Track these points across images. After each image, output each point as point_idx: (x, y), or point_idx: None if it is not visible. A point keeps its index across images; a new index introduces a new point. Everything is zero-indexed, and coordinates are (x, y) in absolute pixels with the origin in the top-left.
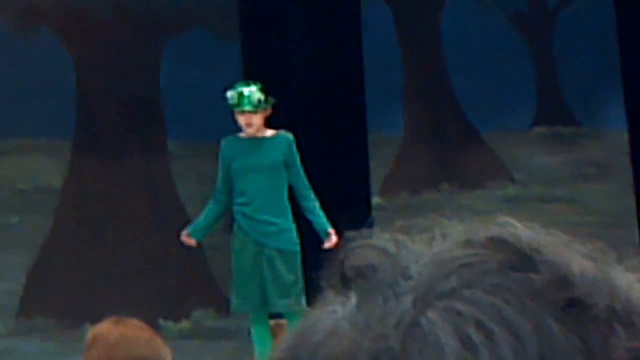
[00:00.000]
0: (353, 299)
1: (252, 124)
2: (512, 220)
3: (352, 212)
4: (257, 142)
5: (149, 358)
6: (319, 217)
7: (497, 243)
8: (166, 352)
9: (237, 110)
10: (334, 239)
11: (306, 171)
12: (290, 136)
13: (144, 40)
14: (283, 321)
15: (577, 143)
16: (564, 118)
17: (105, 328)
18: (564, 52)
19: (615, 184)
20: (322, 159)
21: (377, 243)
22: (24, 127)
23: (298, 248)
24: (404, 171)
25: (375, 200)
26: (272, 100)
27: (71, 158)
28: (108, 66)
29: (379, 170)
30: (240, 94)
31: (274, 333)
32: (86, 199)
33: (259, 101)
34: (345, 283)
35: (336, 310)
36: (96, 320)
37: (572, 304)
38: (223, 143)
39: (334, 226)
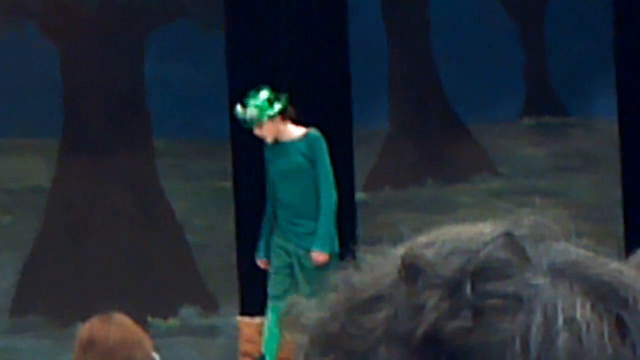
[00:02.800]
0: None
1: (265, 135)
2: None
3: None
4: (282, 147)
5: None
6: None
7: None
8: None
9: (247, 127)
10: (316, 258)
11: None
12: (315, 134)
13: (127, 33)
14: None
15: (565, 133)
16: (552, 108)
17: (101, 330)
18: (556, 38)
19: (603, 176)
20: None
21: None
22: (12, 127)
23: (333, 249)
24: (387, 165)
25: (359, 195)
26: (279, 102)
27: (58, 157)
28: (93, 61)
29: (363, 165)
30: (246, 110)
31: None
32: (74, 198)
33: (252, 119)
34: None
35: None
36: (87, 317)
37: None
38: (265, 147)
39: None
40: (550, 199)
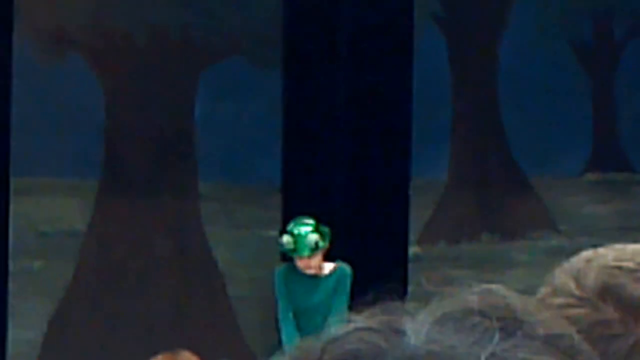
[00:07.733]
0: None
1: (311, 266)
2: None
3: (387, 261)
4: (314, 281)
5: None
6: None
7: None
8: None
9: (294, 255)
10: None
11: (341, 213)
12: (346, 270)
13: (179, 69)
14: None
15: (630, 191)
16: (618, 163)
17: None
18: (625, 90)
19: None
20: (361, 201)
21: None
22: (47, 165)
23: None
24: (443, 219)
25: (412, 249)
26: (328, 235)
27: (96, 199)
28: (139, 97)
29: (417, 217)
30: (296, 239)
31: None
32: (111, 244)
33: (316, 244)
34: None
35: None
36: None
37: None
38: (277, 273)
39: (367, 278)
40: None
